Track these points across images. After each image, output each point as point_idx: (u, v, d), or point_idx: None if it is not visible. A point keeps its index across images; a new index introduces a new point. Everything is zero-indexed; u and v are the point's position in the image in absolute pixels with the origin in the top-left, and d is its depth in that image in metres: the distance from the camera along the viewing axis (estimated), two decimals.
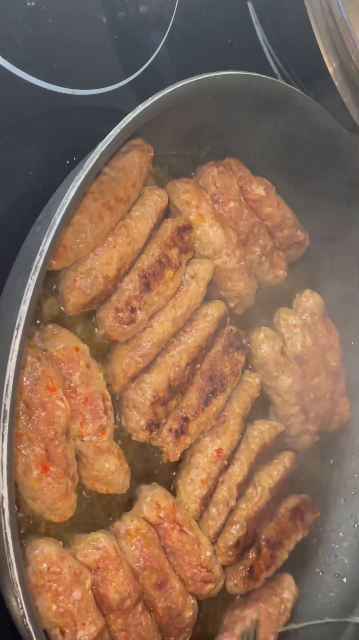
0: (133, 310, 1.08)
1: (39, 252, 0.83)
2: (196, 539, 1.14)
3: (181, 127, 1.15)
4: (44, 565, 0.93)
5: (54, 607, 0.93)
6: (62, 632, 0.94)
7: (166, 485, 1.18)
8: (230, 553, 1.21)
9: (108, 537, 1.04)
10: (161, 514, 1.10)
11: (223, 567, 1.22)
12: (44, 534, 1.00)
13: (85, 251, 1.03)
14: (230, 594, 1.27)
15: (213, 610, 1.27)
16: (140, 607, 1.05)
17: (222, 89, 1.08)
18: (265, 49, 1.43)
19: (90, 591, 0.98)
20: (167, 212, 1.21)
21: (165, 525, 1.11)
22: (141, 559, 1.06)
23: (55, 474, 0.95)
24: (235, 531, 1.22)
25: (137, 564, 1.06)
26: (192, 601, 1.15)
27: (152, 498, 1.11)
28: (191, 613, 1.14)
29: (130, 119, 0.92)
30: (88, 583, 0.98)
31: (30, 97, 1.08)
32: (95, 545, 1.01)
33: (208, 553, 1.16)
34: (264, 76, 1.13)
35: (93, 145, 0.90)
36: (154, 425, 1.13)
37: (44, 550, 0.94)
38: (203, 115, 1.14)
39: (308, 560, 1.45)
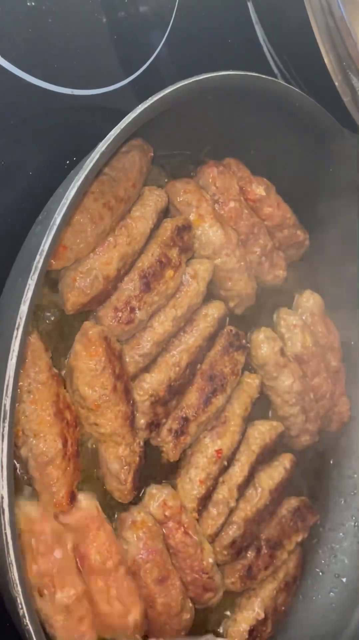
0: (132, 310, 1.08)
1: (39, 252, 0.83)
2: (200, 544, 1.14)
3: (181, 127, 1.15)
4: (26, 524, 0.93)
5: (34, 567, 0.92)
6: (40, 593, 0.93)
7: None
8: (225, 552, 1.21)
9: (90, 497, 1.03)
10: (167, 513, 1.10)
11: (219, 565, 1.22)
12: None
13: (86, 251, 1.03)
14: (225, 608, 1.28)
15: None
16: (122, 570, 1.04)
17: (222, 89, 1.08)
18: (265, 49, 1.43)
19: (71, 553, 0.97)
20: (167, 212, 1.21)
21: (170, 525, 1.11)
22: (144, 552, 1.06)
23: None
24: (231, 531, 1.22)
25: (140, 556, 1.06)
26: (190, 604, 1.15)
27: (160, 496, 1.11)
28: (188, 616, 1.14)
29: (130, 119, 0.92)
30: (69, 545, 0.97)
31: (30, 97, 1.08)
32: (77, 505, 1.01)
33: (211, 560, 1.16)
34: (264, 76, 1.13)
35: (93, 145, 0.90)
36: (154, 425, 1.13)
37: (25, 509, 0.94)
38: (203, 115, 1.14)
39: (308, 560, 1.45)
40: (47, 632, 0.94)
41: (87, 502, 1.02)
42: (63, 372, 1.05)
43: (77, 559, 0.99)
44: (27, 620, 0.81)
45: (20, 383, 0.93)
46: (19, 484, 0.99)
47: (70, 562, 0.96)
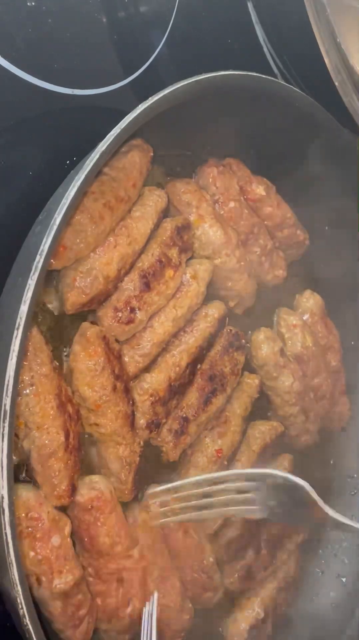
0: (132, 310, 1.08)
1: (39, 252, 0.83)
2: (200, 544, 1.14)
3: (181, 127, 1.15)
4: (23, 510, 0.92)
5: (32, 553, 0.92)
6: (39, 581, 0.93)
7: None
8: (222, 552, 1.21)
9: (105, 480, 1.03)
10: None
11: (219, 565, 1.22)
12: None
13: (86, 251, 1.03)
14: (225, 607, 1.28)
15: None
16: (136, 555, 1.04)
17: (222, 89, 1.08)
18: (265, 49, 1.43)
19: (69, 538, 0.97)
20: (167, 212, 1.21)
21: (171, 525, 1.11)
22: (145, 552, 1.06)
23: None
24: (229, 531, 1.22)
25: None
26: (190, 605, 1.15)
27: (160, 497, 1.11)
28: (188, 616, 1.14)
29: (130, 119, 0.92)
30: (67, 529, 0.97)
31: (30, 97, 1.08)
32: (92, 485, 1.01)
33: (211, 559, 1.16)
34: (264, 76, 1.13)
35: (93, 145, 0.90)
36: (154, 425, 1.13)
37: (22, 495, 0.94)
38: (203, 115, 1.14)
39: (308, 560, 1.45)
40: (45, 617, 0.94)
41: (103, 483, 1.02)
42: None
43: (86, 541, 0.99)
44: (27, 620, 0.81)
45: (24, 377, 0.94)
46: (17, 474, 0.99)
47: (67, 548, 0.96)
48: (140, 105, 0.94)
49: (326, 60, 1.27)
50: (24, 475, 0.99)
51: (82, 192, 0.88)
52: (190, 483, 1.09)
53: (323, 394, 1.42)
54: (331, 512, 1.06)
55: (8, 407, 0.79)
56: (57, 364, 1.01)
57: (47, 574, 0.93)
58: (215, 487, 1.07)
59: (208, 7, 1.36)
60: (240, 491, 1.08)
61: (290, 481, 1.05)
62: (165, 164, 1.25)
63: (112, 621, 1.04)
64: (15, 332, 0.80)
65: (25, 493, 0.94)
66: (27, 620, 0.81)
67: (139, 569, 1.04)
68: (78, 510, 1.00)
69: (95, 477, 1.03)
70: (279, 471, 1.08)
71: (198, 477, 1.10)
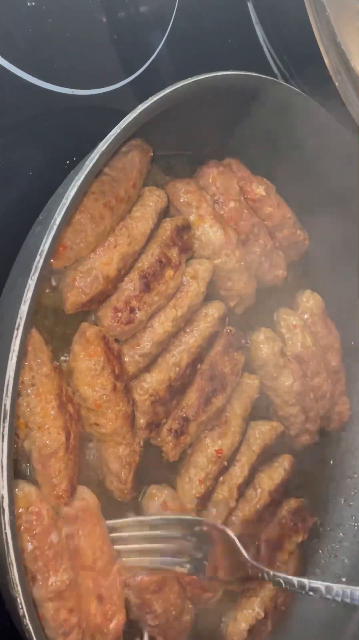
0: (132, 310, 1.08)
1: (39, 252, 0.83)
2: None
3: (181, 127, 1.15)
4: (24, 504, 0.92)
5: (30, 547, 0.91)
6: (33, 579, 0.92)
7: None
8: None
9: (91, 492, 1.03)
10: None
11: None
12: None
13: (86, 251, 1.03)
14: (225, 607, 1.28)
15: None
16: (114, 571, 1.03)
17: (222, 89, 1.08)
18: (265, 49, 1.43)
19: (65, 540, 0.97)
20: (167, 212, 1.21)
21: None
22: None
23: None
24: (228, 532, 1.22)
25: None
26: (190, 606, 1.15)
27: (160, 497, 1.11)
28: (189, 617, 1.14)
29: (130, 119, 0.92)
30: (64, 531, 0.97)
31: (30, 97, 1.08)
32: (79, 495, 1.01)
33: None
34: (264, 76, 1.13)
35: (93, 145, 0.90)
36: (154, 425, 1.13)
37: (25, 489, 0.93)
38: (203, 115, 1.14)
39: (308, 560, 1.45)
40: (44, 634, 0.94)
41: (88, 494, 1.02)
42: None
43: (70, 551, 0.99)
44: (27, 620, 0.81)
45: (24, 377, 0.94)
46: (17, 473, 0.99)
47: (64, 549, 0.96)
48: (140, 105, 0.94)
49: (326, 60, 1.27)
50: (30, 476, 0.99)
51: (82, 192, 0.89)
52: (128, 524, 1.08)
53: (323, 394, 1.42)
54: (254, 562, 1.05)
55: (8, 407, 0.79)
56: (57, 364, 1.01)
57: (43, 572, 0.92)
58: (151, 532, 1.07)
59: (208, 7, 1.36)
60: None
61: (217, 528, 1.06)
62: (165, 164, 1.25)
63: (96, 637, 1.02)
64: (15, 332, 0.81)
65: (27, 487, 0.94)
66: (27, 620, 0.82)
67: (117, 584, 1.03)
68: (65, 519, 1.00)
69: (83, 487, 1.02)
70: (204, 519, 1.08)
71: (133, 519, 1.09)
